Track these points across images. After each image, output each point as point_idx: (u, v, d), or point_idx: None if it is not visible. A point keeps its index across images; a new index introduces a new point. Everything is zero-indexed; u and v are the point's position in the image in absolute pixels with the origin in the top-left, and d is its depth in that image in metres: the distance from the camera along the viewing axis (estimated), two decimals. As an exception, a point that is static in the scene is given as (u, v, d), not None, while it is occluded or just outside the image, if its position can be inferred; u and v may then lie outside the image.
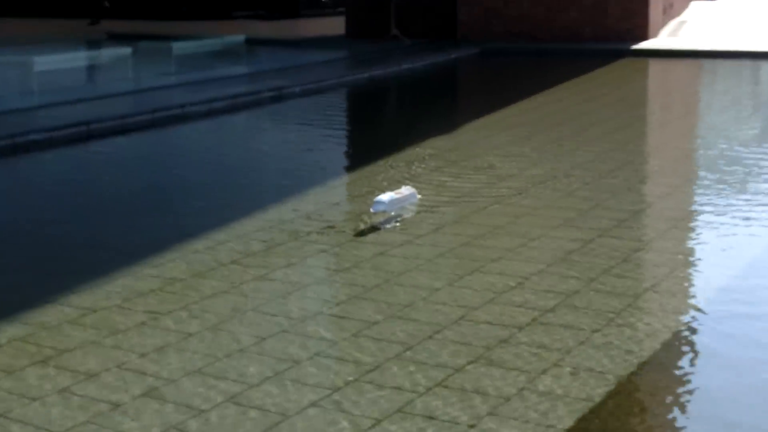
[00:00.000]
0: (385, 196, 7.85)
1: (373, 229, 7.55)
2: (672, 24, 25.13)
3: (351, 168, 10.54)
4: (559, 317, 5.71)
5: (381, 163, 10.11)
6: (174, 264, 6.83)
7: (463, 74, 19.83)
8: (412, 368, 5.05)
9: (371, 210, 7.76)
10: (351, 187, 9.36)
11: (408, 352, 5.24)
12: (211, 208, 8.54)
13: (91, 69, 19.21)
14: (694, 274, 6.65)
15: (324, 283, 6.50)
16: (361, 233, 7.49)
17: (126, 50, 20.16)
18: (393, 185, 8.78)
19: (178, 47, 20.87)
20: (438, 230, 7.60)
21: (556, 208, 8.22)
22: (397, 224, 7.69)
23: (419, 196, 8.27)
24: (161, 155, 11.38)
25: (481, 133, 12.03)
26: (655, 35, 22.23)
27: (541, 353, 5.20)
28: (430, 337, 5.45)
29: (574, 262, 6.73)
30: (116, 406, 4.69)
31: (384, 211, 7.77)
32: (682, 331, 5.55)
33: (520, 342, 5.35)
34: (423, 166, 10.00)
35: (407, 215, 7.95)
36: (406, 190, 8.16)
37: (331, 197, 8.83)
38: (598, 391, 4.78)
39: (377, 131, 12.85)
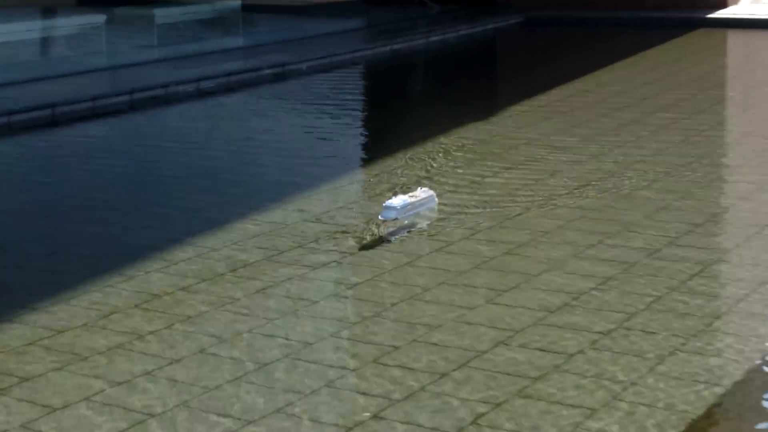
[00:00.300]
0: (397, 201, 7.76)
1: (388, 237, 7.54)
2: (756, -12, 25.01)
3: (369, 161, 10.54)
4: (619, 343, 5.70)
5: (402, 155, 10.10)
6: (156, 276, 6.85)
7: (503, 48, 19.79)
8: (442, 402, 5.05)
9: (380, 217, 7.73)
10: (369, 185, 9.36)
11: (437, 383, 5.25)
12: (201, 209, 8.56)
13: (57, 41, 19.30)
14: (783, 290, 6.63)
15: (336, 300, 6.51)
16: (380, 240, 7.50)
17: (99, 18, 20.23)
18: (415, 183, 8.78)
19: (161, 15, 20.95)
20: (472, 237, 7.60)
21: (615, 211, 8.20)
22: (411, 233, 7.67)
23: (438, 200, 8.23)
24: (141, 145, 11.41)
25: (524, 119, 12.01)
26: (735, 2, 22.14)
27: (597, 385, 5.19)
28: (464, 365, 5.44)
29: (636, 276, 6.71)
30: (88, 445, 4.72)
31: (395, 219, 7.72)
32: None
33: (571, 372, 5.34)
34: (454, 159, 9.99)
35: (433, 219, 7.94)
36: (422, 193, 8.09)
37: (344, 196, 8.84)
38: (667, 432, 4.77)
39: (399, 117, 12.85)
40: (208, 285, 6.65)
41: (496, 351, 5.60)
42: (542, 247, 7.33)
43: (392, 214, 7.67)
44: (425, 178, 9.13)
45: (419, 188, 8.25)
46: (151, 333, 5.90)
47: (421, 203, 8.00)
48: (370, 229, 7.73)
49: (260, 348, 5.70)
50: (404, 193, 8.15)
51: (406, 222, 7.79)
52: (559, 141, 10.75)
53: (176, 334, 5.90)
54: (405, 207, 7.77)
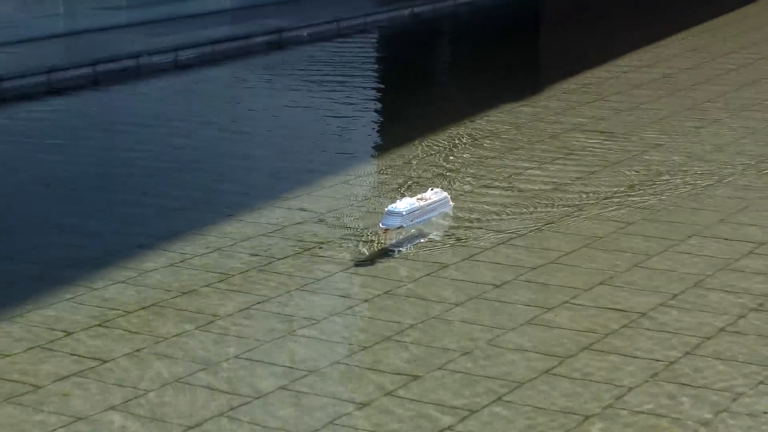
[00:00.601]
0: (403, 205, 7.60)
1: (393, 248, 7.52)
2: None
3: (381, 149, 10.54)
4: (684, 373, 5.67)
5: (420, 143, 10.10)
6: (123, 287, 6.84)
7: (547, 13, 19.77)
8: (471, 446, 5.05)
9: (381, 225, 7.64)
10: (380, 178, 9.35)
11: (463, 423, 5.23)
12: (180, 207, 8.55)
13: (6, 2, 19.33)
14: None
15: (343, 318, 6.48)
16: (384, 252, 7.47)
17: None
18: (437, 177, 8.78)
19: (131, -30, 20.98)
20: (506, 244, 7.57)
21: (683, 212, 8.18)
22: (429, 240, 7.64)
23: (452, 204, 8.17)
24: (105, 128, 11.43)
25: (570, 99, 11.98)
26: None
27: (659, 424, 5.17)
28: (499, 399, 5.42)
29: (707, 293, 6.69)
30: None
31: (400, 227, 7.61)
32: None
33: (628, 408, 5.32)
34: (482, 148, 9.98)
35: (447, 227, 7.92)
36: (434, 195, 8.00)
37: (352, 192, 8.82)
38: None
39: (418, 95, 12.83)
40: (186, 300, 6.64)
41: (539, 382, 5.58)
42: (592, 256, 7.31)
43: (396, 222, 7.48)
44: (444, 173, 9.11)
45: (430, 189, 8.14)
46: (116, 358, 5.88)
47: (431, 207, 7.84)
48: (371, 237, 7.70)
49: (251, 376, 5.68)
50: (413, 194, 8.09)
51: (413, 231, 7.73)
52: (613, 126, 10.72)
53: (146, 359, 5.88)
54: (412, 213, 7.62)
